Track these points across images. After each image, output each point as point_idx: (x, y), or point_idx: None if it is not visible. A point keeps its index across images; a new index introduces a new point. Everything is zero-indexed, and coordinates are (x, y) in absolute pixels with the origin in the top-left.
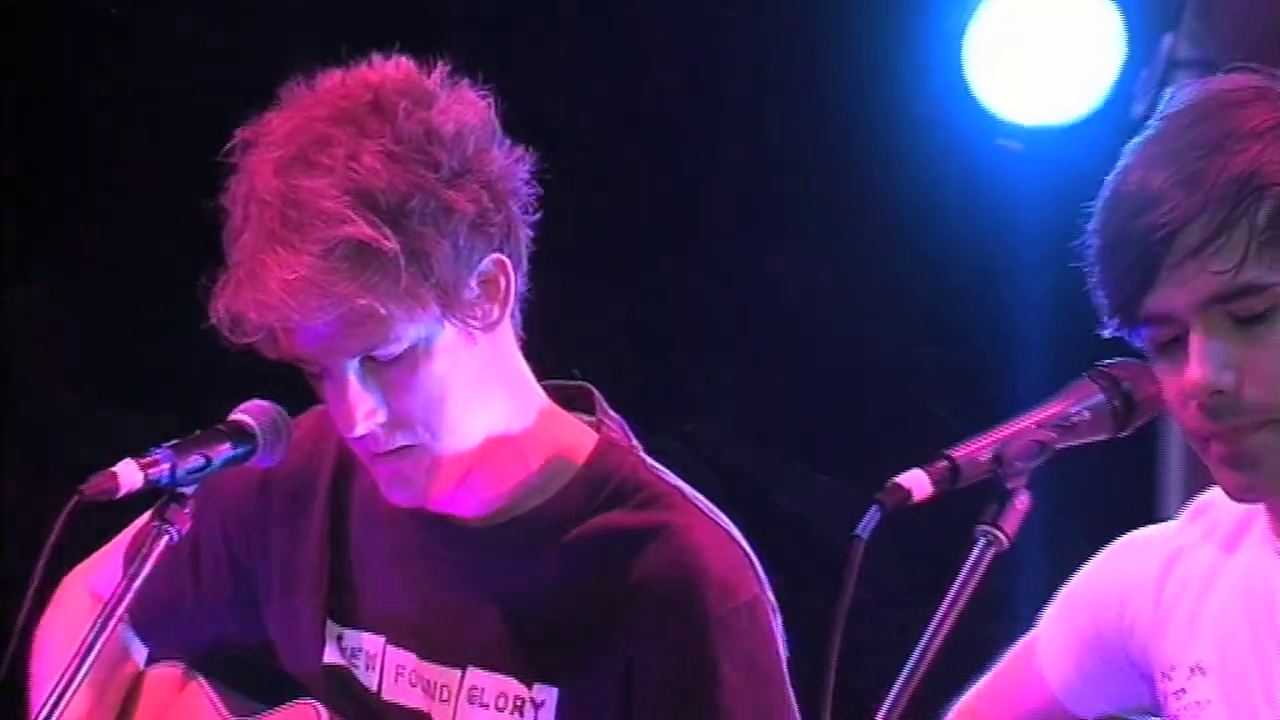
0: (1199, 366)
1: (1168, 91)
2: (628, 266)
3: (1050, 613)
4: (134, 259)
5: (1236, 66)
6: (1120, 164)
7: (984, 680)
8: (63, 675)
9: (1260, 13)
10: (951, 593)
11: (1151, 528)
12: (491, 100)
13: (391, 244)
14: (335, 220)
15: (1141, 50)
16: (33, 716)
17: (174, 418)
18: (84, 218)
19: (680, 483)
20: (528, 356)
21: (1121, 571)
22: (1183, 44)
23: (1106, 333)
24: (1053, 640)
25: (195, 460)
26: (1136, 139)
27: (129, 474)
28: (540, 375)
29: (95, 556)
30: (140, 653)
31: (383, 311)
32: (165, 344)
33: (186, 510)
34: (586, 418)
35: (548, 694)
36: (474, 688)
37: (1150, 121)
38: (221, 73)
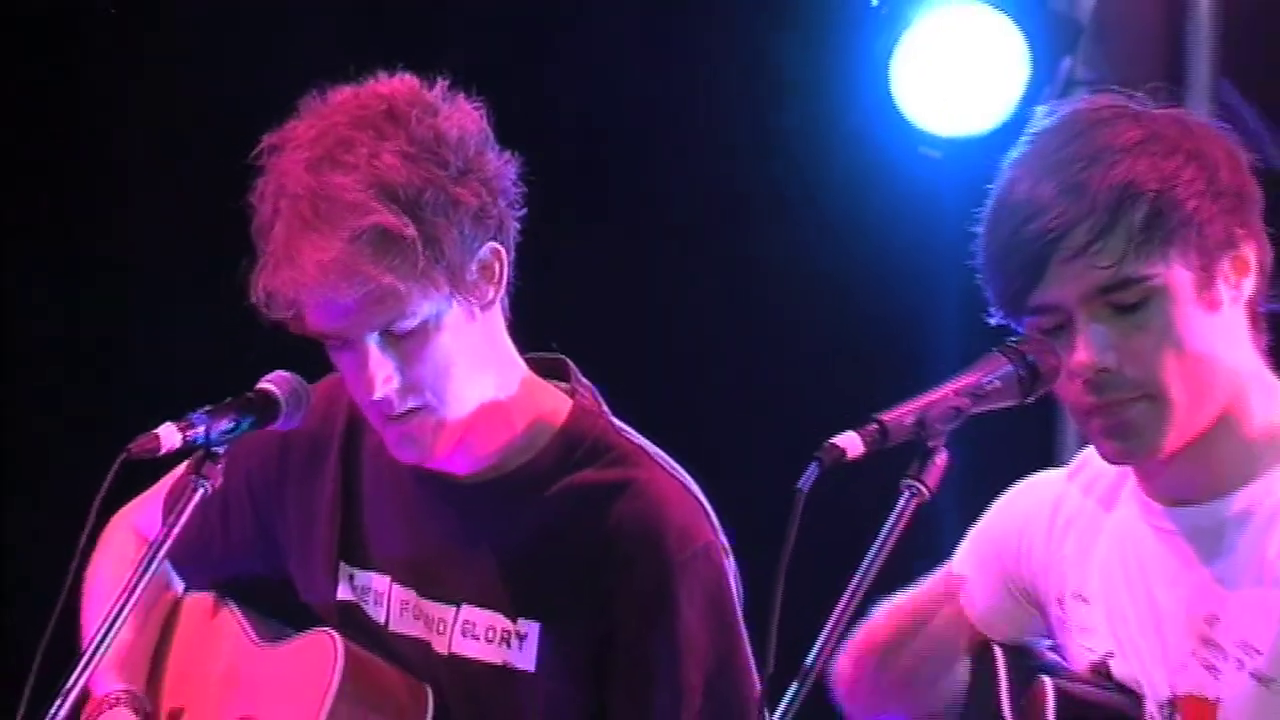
0: (1085, 349)
1: (1039, 111)
2: (595, 263)
3: (962, 549)
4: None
5: (1098, 89)
6: (1004, 176)
7: (903, 595)
8: (114, 604)
9: (1146, 40)
10: (880, 538)
11: (1042, 474)
12: (484, 110)
13: (410, 231)
14: (362, 210)
15: (1044, 71)
16: (88, 638)
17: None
18: (86, 217)
19: (644, 442)
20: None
21: (1020, 509)
22: (1079, 66)
23: (993, 321)
24: (963, 568)
25: (226, 423)
26: (1014, 153)
27: (169, 435)
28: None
29: (137, 500)
30: (179, 583)
31: (402, 289)
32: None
33: (219, 467)
34: (563, 385)
35: (530, 628)
36: (467, 622)
37: (1024, 138)
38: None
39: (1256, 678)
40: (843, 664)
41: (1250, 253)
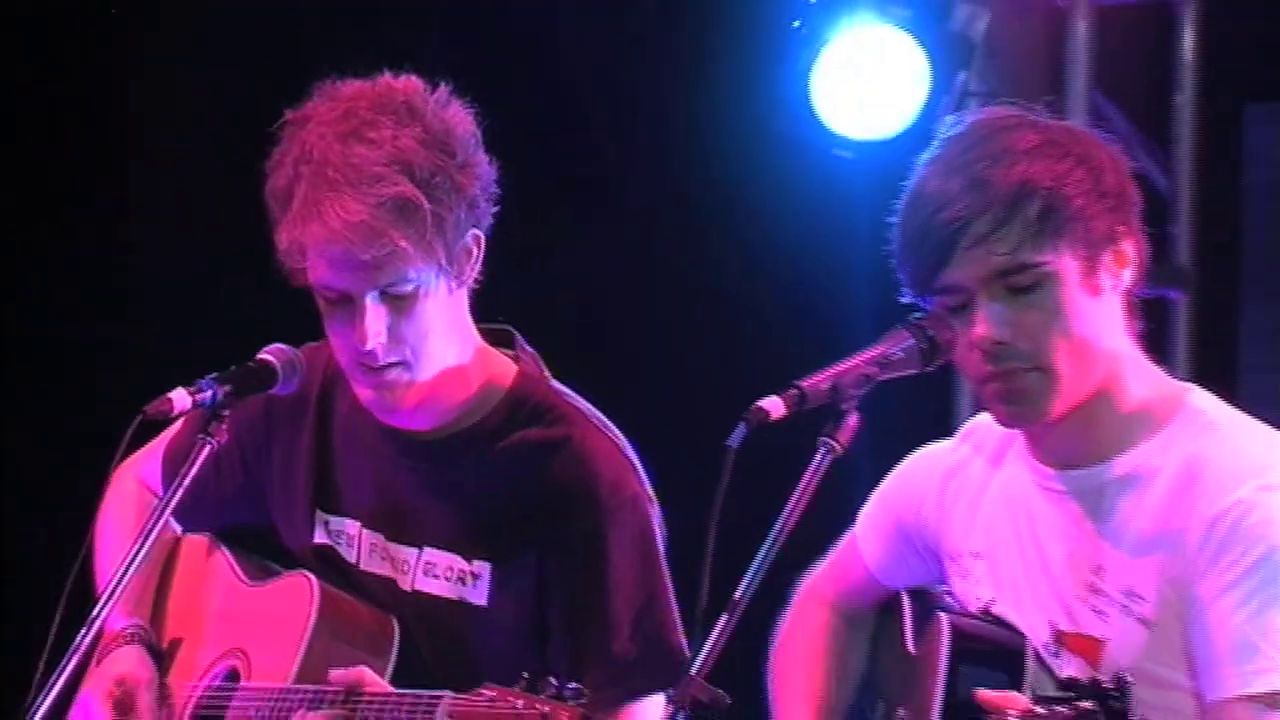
0: (984, 325)
1: (947, 119)
2: (553, 250)
3: (865, 510)
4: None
5: (1000, 101)
6: (918, 172)
7: (821, 564)
8: (128, 551)
9: (1031, 57)
10: (799, 488)
11: (933, 445)
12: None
13: (425, 204)
14: (388, 180)
15: (942, 83)
16: (103, 577)
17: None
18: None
19: (580, 402)
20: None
21: (915, 478)
22: (973, 79)
23: (905, 300)
24: (867, 532)
25: (231, 388)
26: (926, 155)
27: (180, 398)
28: None
29: (140, 453)
30: (177, 527)
31: (411, 252)
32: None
33: (224, 426)
34: (509, 353)
35: (483, 568)
36: (428, 563)
37: (935, 142)
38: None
39: (1141, 621)
40: (778, 656)
41: (1129, 248)
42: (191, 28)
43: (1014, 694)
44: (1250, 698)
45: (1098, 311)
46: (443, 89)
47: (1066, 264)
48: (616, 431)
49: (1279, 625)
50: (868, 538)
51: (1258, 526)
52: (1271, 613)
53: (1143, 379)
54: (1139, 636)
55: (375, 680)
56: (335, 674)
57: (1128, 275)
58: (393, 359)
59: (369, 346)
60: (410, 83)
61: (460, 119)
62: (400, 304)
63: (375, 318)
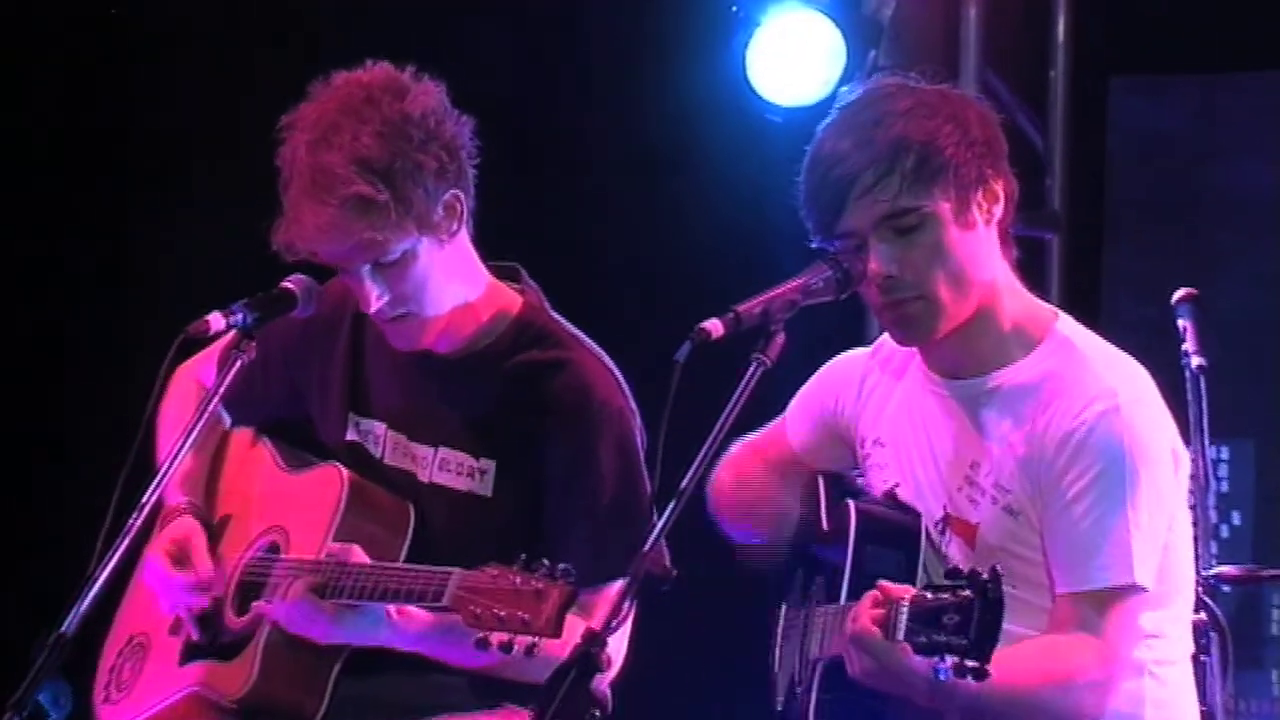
0: (876, 262)
1: (843, 90)
2: (541, 204)
3: (795, 399)
4: None
5: (886, 71)
6: (817, 136)
7: (751, 436)
8: (179, 437)
9: (930, 37)
10: (733, 398)
11: (852, 350)
12: (444, 85)
13: (384, 196)
14: (346, 182)
15: (856, 59)
16: (161, 459)
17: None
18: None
19: (576, 330)
20: None
21: (838, 374)
22: (882, 56)
23: (813, 245)
24: (795, 415)
25: (258, 311)
26: (825, 121)
27: (216, 320)
28: None
29: (197, 357)
30: (228, 420)
31: (380, 238)
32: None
33: (254, 343)
34: (514, 286)
35: (489, 465)
36: (443, 459)
37: (833, 109)
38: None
39: (1007, 510)
40: (716, 486)
41: (999, 187)
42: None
43: (907, 587)
44: (1086, 594)
45: (974, 244)
46: (407, 71)
47: (942, 206)
48: (607, 356)
49: (1118, 531)
50: (795, 420)
51: (1102, 443)
52: (1111, 519)
53: (1017, 303)
54: (1006, 522)
55: (361, 556)
56: (327, 549)
57: (999, 210)
58: (399, 311)
59: (372, 310)
60: (376, 73)
61: (420, 99)
62: (392, 270)
63: (372, 285)
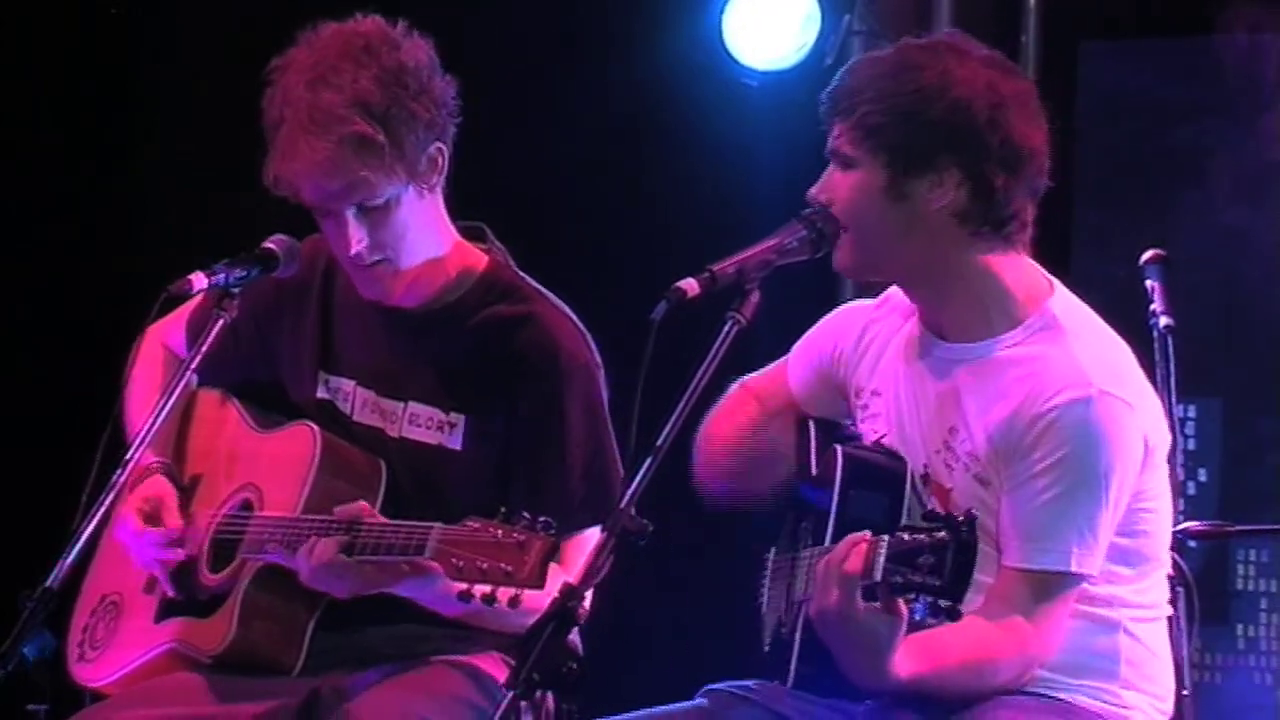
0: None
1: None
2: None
3: (797, 344)
4: None
5: (861, 36)
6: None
7: (748, 378)
8: (155, 403)
9: (902, 3)
10: (709, 355)
11: (856, 301)
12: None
13: (381, 138)
14: (346, 121)
15: (831, 23)
16: (135, 424)
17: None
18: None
19: (540, 286)
20: None
21: (841, 322)
22: (856, 20)
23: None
24: (796, 360)
25: (240, 271)
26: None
27: (198, 279)
28: None
29: (166, 319)
30: (195, 380)
31: (372, 179)
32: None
33: (235, 302)
34: (481, 245)
35: (459, 419)
36: (413, 414)
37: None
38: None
39: (977, 479)
40: (708, 437)
41: (948, 176)
42: None
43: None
44: (1028, 571)
45: (884, 209)
46: (401, 25)
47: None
48: (571, 311)
49: (1068, 518)
50: (796, 363)
51: (1068, 430)
52: (1064, 504)
53: (1014, 274)
54: (978, 490)
55: (374, 514)
56: (340, 509)
57: (951, 191)
58: (377, 258)
59: (353, 253)
60: (370, 24)
61: (414, 52)
62: (375, 214)
63: (355, 228)
